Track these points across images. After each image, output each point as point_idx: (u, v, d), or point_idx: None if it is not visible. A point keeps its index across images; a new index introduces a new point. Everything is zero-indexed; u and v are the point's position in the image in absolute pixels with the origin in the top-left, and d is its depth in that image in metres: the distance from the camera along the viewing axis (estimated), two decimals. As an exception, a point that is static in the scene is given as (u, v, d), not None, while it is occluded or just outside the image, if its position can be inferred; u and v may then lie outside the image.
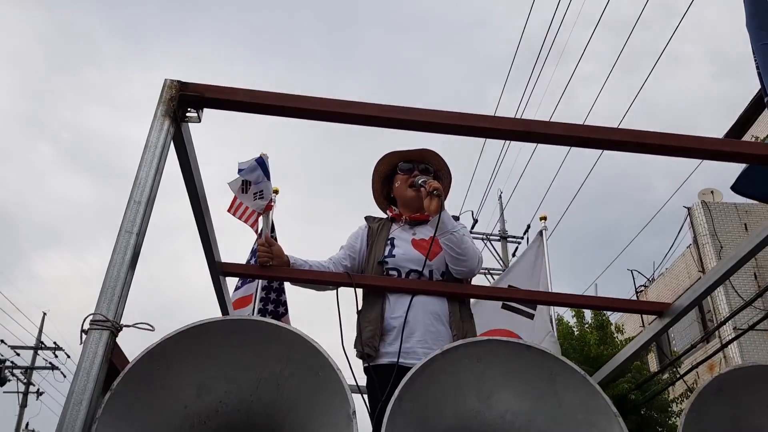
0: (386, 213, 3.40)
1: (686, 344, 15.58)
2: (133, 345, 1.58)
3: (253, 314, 5.28)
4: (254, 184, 4.82)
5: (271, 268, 2.94)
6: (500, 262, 17.44)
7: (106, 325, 1.45)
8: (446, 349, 1.70)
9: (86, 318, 1.45)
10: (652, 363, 17.75)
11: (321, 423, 1.59)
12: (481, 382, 1.74)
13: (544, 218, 6.64)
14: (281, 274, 3.17)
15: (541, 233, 6.45)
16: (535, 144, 10.64)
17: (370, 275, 3.11)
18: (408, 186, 3.22)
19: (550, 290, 5.64)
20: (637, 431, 12.16)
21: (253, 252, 5.49)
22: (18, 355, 24.45)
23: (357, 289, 2.94)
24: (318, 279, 3.01)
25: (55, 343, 25.43)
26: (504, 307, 5.76)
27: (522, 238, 17.33)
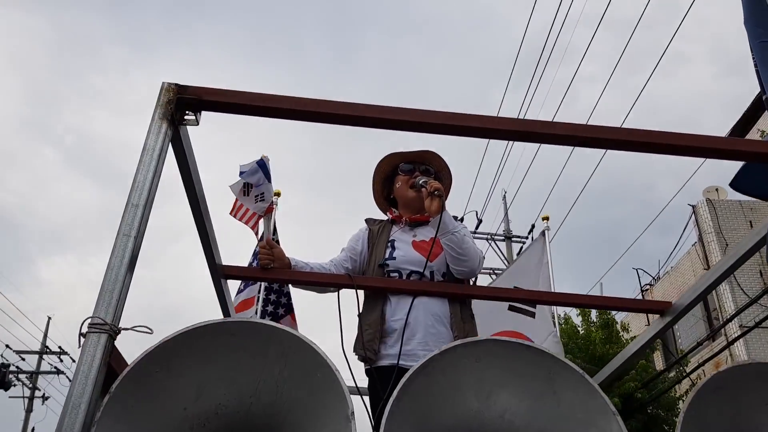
0: (386, 215, 3.41)
1: (692, 342, 15.53)
2: (133, 348, 1.59)
3: (256, 316, 5.29)
4: (255, 187, 4.84)
5: (272, 271, 2.95)
6: (505, 262, 17.41)
7: (105, 328, 1.45)
8: (445, 349, 1.70)
9: (84, 321, 1.46)
10: (659, 361, 17.71)
11: (320, 424, 1.59)
12: (480, 382, 1.74)
13: (546, 218, 6.64)
14: (282, 277, 3.18)
15: (543, 233, 6.45)
16: (537, 144, 10.65)
17: (371, 277, 3.11)
18: (409, 187, 3.22)
19: (552, 290, 5.64)
20: (644, 430, 12.14)
21: (255, 254, 5.51)
22: (23, 359, 24.52)
23: (358, 291, 2.94)
24: (319, 281, 3.02)
25: (60, 347, 25.46)
26: (511, 308, 5.78)
27: (527, 237, 17.33)
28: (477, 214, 17.55)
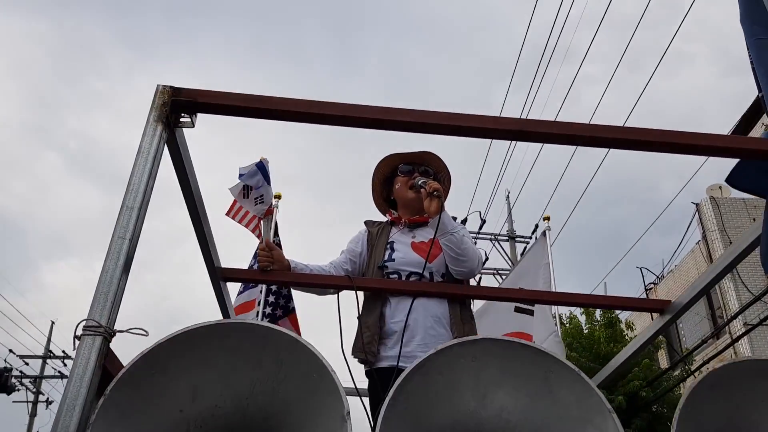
0: (385, 216, 3.41)
1: (697, 340, 15.51)
2: (132, 351, 1.59)
3: (256, 319, 5.29)
4: (255, 189, 4.84)
5: (271, 273, 2.95)
6: (509, 262, 17.40)
7: (99, 330, 1.46)
8: (441, 348, 1.71)
9: (79, 324, 1.46)
10: (663, 360, 17.69)
11: (316, 424, 1.60)
12: (477, 381, 1.74)
13: (547, 218, 6.64)
14: (282, 279, 3.17)
15: (544, 233, 6.45)
16: (540, 144, 10.63)
17: (370, 278, 3.11)
18: (408, 187, 3.22)
19: (553, 290, 5.64)
20: (648, 428, 12.12)
21: (255, 256, 5.50)
22: (27, 364, 24.53)
23: (358, 292, 2.94)
24: (318, 282, 3.02)
25: (63, 351, 25.46)
26: (516, 310, 5.81)
27: (530, 237, 17.31)
28: (481, 215, 17.56)
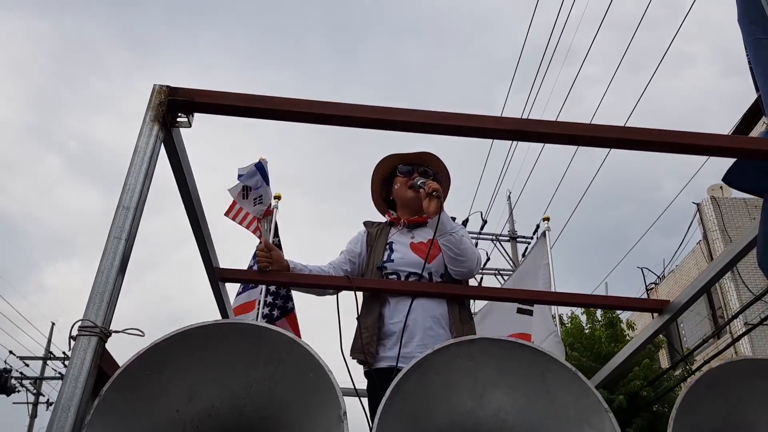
0: (384, 216, 3.40)
1: (698, 340, 15.50)
2: (129, 351, 1.58)
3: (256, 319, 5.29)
4: (254, 189, 4.83)
5: (270, 273, 2.95)
6: (510, 262, 17.39)
7: (95, 331, 1.45)
8: (438, 348, 1.70)
9: (74, 324, 1.46)
10: (664, 359, 17.68)
11: (313, 424, 1.60)
12: (474, 381, 1.74)
13: (547, 219, 6.63)
14: (281, 279, 3.17)
15: (544, 234, 6.45)
16: (541, 144, 10.64)
17: (369, 278, 3.11)
18: (407, 188, 3.22)
19: (553, 290, 5.65)
20: (649, 428, 12.10)
21: (255, 257, 5.50)
22: (27, 365, 24.52)
23: (357, 293, 2.94)
24: (318, 283, 3.01)
25: (64, 353, 25.43)
26: (519, 311, 5.82)
27: (531, 237, 17.29)
28: (482, 215, 17.54)
